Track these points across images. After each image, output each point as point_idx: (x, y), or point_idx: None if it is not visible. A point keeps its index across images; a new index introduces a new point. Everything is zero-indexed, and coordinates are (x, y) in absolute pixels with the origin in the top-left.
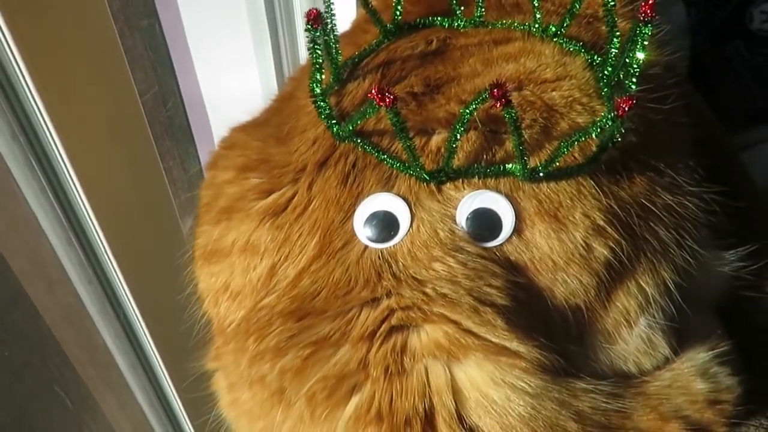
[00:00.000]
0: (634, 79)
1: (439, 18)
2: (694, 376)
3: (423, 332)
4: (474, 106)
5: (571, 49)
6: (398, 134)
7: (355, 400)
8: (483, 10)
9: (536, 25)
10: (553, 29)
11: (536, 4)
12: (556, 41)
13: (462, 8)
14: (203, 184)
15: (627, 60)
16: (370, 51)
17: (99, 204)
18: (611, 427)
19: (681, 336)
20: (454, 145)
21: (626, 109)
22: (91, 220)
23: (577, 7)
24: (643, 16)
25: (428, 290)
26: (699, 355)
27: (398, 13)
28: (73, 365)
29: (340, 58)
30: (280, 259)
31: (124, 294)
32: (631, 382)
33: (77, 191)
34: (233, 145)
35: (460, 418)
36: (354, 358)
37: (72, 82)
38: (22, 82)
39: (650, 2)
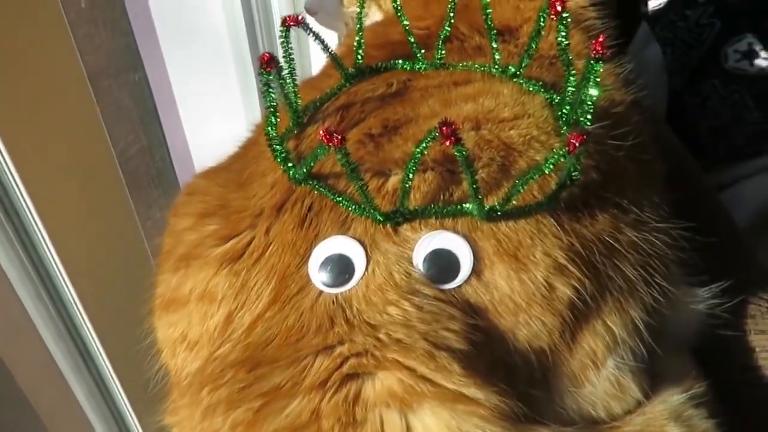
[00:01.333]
0: (588, 116)
1: (400, 61)
2: (667, 419)
3: (377, 380)
4: (424, 145)
5: (531, 89)
6: (349, 175)
7: None
8: (443, 52)
9: (496, 66)
10: (512, 69)
11: (495, 46)
12: (515, 81)
13: (423, 51)
14: (165, 232)
15: (582, 97)
16: (331, 95)
17: (69, 258)
18: None
19: (653, 377)
20: (407, 185)
21: (576, 144)
22: (61, 274)
23: (533, 47)
24: (594, 53)
25: (381, 335)
26: (672, 398)
27: (359, 57)
28: (46, 425)
29: (300, 102)
30: (237, 307)
31: (96, 349)
32: (600, 428)
33: (47, 246)
34: (194, 191)
35: None
36: (306, 409)
37: (44, 137)
38: None
39: (600, 39)
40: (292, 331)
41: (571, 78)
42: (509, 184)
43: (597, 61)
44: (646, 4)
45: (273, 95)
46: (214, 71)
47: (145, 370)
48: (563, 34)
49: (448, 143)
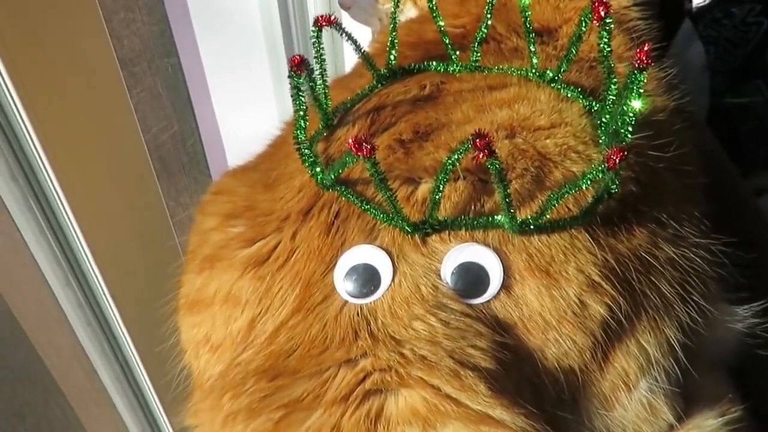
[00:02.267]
0: (629, 128)
1: (434, 63)
2: None
3: (400, 397)
4: (457, 156)
5: (569, 95)
6: (377, 185)
7: None
8: (479, 54)
9: (533, 71)
10: (550, 74)
11: (533, 50)
12: (553, 87)
13: (458, 53)
14: (191, 229)
15: (623, 108)
16: (362, 96)
17: (98, 245)
18: None
19: (687, 400)
20: (437, 196)
21: (617, 160)
22: (89, 261)
23: (574, 52)
24: (638, 63)
25: (406, 351)
26: (707, 422)
27: (392, 57)
28: (73, 407)
29: (330, 103)
30: (260, 312)
31: (122, 335)
32: None
33: (76, 233)
34: (221, 191)
35: None
36: (327, 423)
37: (75, 125)
38: (22, 124)
39: (645, 49)
40: (315, 342)
41: (613, 86)
42: (543, 197)
43: (641, 71)
44: (690, 1)
45: (302, 99)
46: (248, 60)
47: (170, 359)
48: (605, 40)
49: (481, 156)
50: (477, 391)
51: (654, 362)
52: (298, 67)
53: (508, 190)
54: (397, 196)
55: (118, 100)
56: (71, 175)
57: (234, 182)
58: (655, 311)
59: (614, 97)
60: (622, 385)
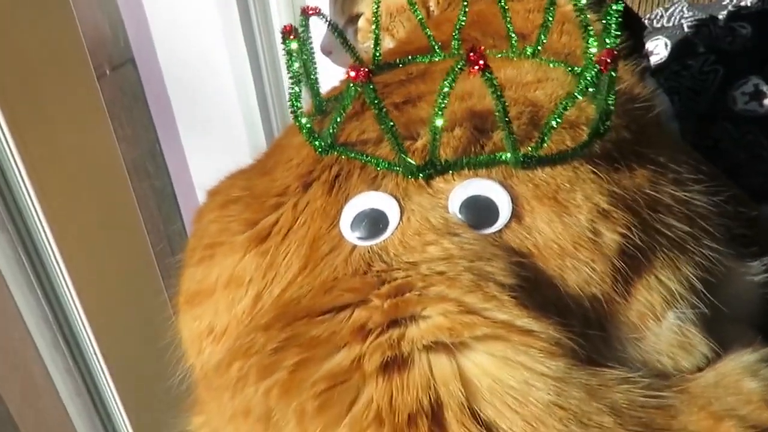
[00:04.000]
0: (614, 31)
1: (418, 56)
2: (742, 375)
3: (421, 316)
4: (452, 77)
5: (550, 65)
6: (378, 116)
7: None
8: (460, 42)
9: (513, 50)
10: (530, 50)
11: (511, 28)
12: (533, 60)
13: (440, 45)
14: (190, 237)
15: (606, 17)
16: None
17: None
18: (654, 426)
19: (720, 343)
20: (437, 132)
21: (608, 61)
22: (85, 330)
23: (550, 20)
24: None
25: (423, 269)
26: (745, 357)
27: (377, 54)
28: None
29: (320, 88)
30: (265, 285)
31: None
32: (671, 380)
33: (71, 297)
34: (217, 191)
35: (473, 413)
36: (346, 358)
37: (72, 187)
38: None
39: None
40: (326, 282)
41: (591, 40)
42: (538, 134)
43: (616, 1)
44: (648, 58)
45: (296, 66)
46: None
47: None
48: None
49: (476, 69)
50: (501, 300)
51: (678, 296)
52: (289, 33)
53: (506, 107)
54: (398, 131)
55: (125, 203)
56: (66, 233)
57: (229, 181)
58: (669, 248)
59: (595, 50)
60: (650, 314)
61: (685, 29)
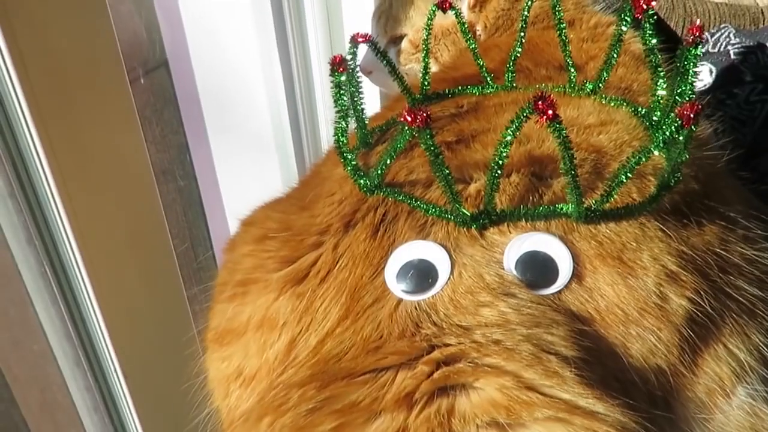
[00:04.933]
0: (690, 79)
1: (469, 87)
2: None
3: (474, 389)
4: (516, 124)
5: (612, 104)
6: (433, 163)
7: None
8: (514, 74)
9: (572, 85)
10: (590, 86)
11: (572, 70)
12: (594, 98)
13: (492, 75)
14: (220, 267)
15: (683, 61)
16: (397, 118)
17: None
18: None
19: None
20: (495, 180)
21: (691, 116)
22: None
23: (615, 56)
24: (693, 38)
25: (477, 336)
26: None
27: (426, 83)
28: None
29: (366, 120)
30: (300, 331)
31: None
32: None
33: (94, 311)
34: (252, 222)
35: None
36: (390, 428)
37: (110, 228)
38: (61, 224)
39: (698, 24)
40: (369, 340)
41: (660, 81)
42: (604, 186)
43: (696, 45)
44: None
45: (344, 99)
46: (262, 177)
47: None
48: (650, 32)
49: (544, 119)
50: (564, 377)
51: (748, 368)
52: (339, 65)
53: (573, 161)
54: (454, 179)
55: (152, 211)
56: (92, 249)
57: (265, 211)
58: (739, 314)
59: (664, 92)
60: (719, 389)
61: (732, 56)
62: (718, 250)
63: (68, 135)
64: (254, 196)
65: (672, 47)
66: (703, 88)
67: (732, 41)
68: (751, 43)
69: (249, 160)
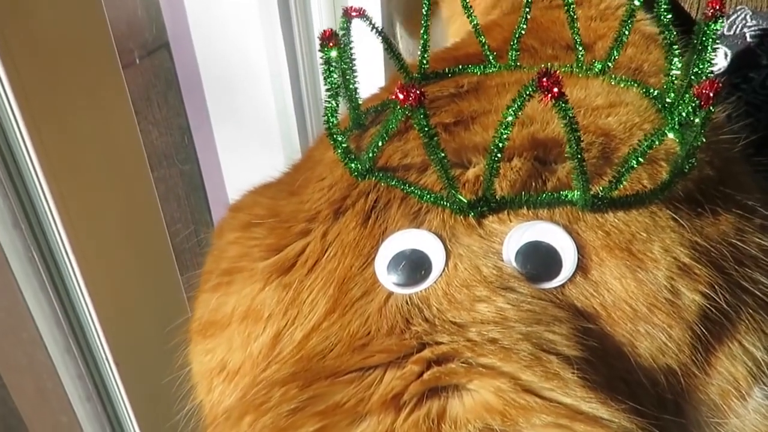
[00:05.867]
0: (708, 57)
1: (470, 66)
2: None
3: (467, 391)
4: (518, 104)
5: (622, 85)
6: (427, 146)
7: None
8: (518, 53)
9: (579, 65)
10: (599, 66)
11: (580, 48)
12: (603, 79)
13: (495, 54)
14: (207, 254)
15: (701, 38)
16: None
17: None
18: None
19: None
20: (494, 165)
21: (711, 95)
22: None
23: (626, 34)
24: (712, 12)
25: (472, 335)
26: None
27: (425, 61)
28: None
29: (360, 100)
30: (286, 324)
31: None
32: None
33: (84, 298)
34: (240, 207)
35: None
36: (376, 431)
37: (104, 220)
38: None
39: None
40: (356, 337)
41: (675, 59)
42: (613, 172)
43: (715, 20)
44: None
45: (335, 77)
46: (266, 163)
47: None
48: (665, 8)
49: (548, 97)
50: (565, 379)
51: (766, 368)
52: (329, 39)
53: (580, 144)
54: (450, 163)
55: (146, 197)
56: (95, 269)
57: (255, 197)
58: (755, 309)
59: (678, 71)
60: (733, 390)
61: (748, 39)
62: (734, 240)
63: (55, 117)
64: (257, 180)
65: (685, 29)
66: (717, 73)
67: (749, 23)
68: None
69: (252, 143)
